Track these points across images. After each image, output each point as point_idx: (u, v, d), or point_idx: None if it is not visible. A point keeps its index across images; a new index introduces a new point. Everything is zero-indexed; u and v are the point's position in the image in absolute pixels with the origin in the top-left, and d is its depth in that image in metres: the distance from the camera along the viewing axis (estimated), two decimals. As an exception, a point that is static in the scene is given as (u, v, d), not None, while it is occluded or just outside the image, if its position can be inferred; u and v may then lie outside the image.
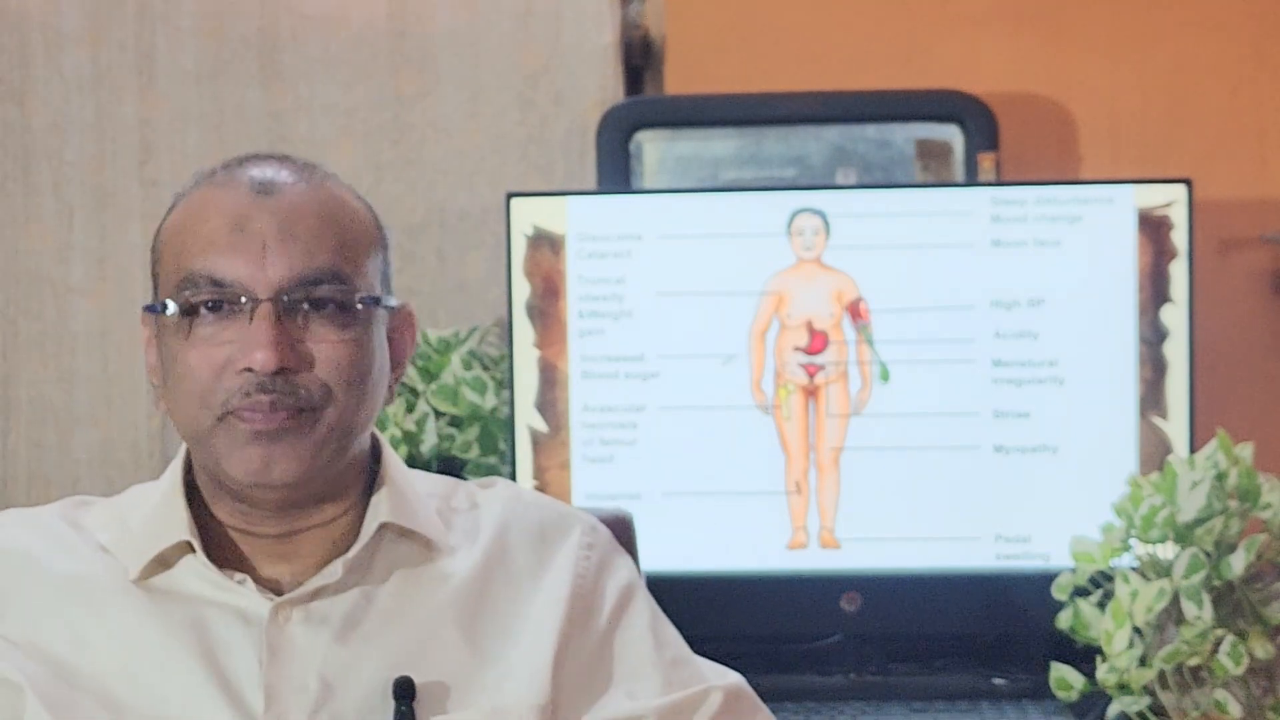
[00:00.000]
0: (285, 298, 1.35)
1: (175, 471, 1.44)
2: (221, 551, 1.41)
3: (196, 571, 1.39)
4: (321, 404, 1.36)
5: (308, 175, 1.41)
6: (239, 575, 1.39)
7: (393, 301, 1.43)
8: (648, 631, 1.45)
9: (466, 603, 1.41)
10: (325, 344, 1.36)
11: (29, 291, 2.71)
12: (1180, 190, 2.31)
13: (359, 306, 1.38)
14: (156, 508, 1.42)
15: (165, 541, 1.39)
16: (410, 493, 1.45)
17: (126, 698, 1.34)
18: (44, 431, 2.72)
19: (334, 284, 1.37)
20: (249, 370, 1.34)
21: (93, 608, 1.39)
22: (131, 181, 2.70)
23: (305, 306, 1.36)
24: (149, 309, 1.41)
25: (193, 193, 1.41)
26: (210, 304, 1.35)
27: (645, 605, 1.48)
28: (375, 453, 1.46)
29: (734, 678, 1.47)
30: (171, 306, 1.36)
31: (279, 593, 1.39)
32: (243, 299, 1.35)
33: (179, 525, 1.40)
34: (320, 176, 1.42)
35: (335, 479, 1.41)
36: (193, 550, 1.39)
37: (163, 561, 1.40)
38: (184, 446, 1.45)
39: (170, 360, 1.38)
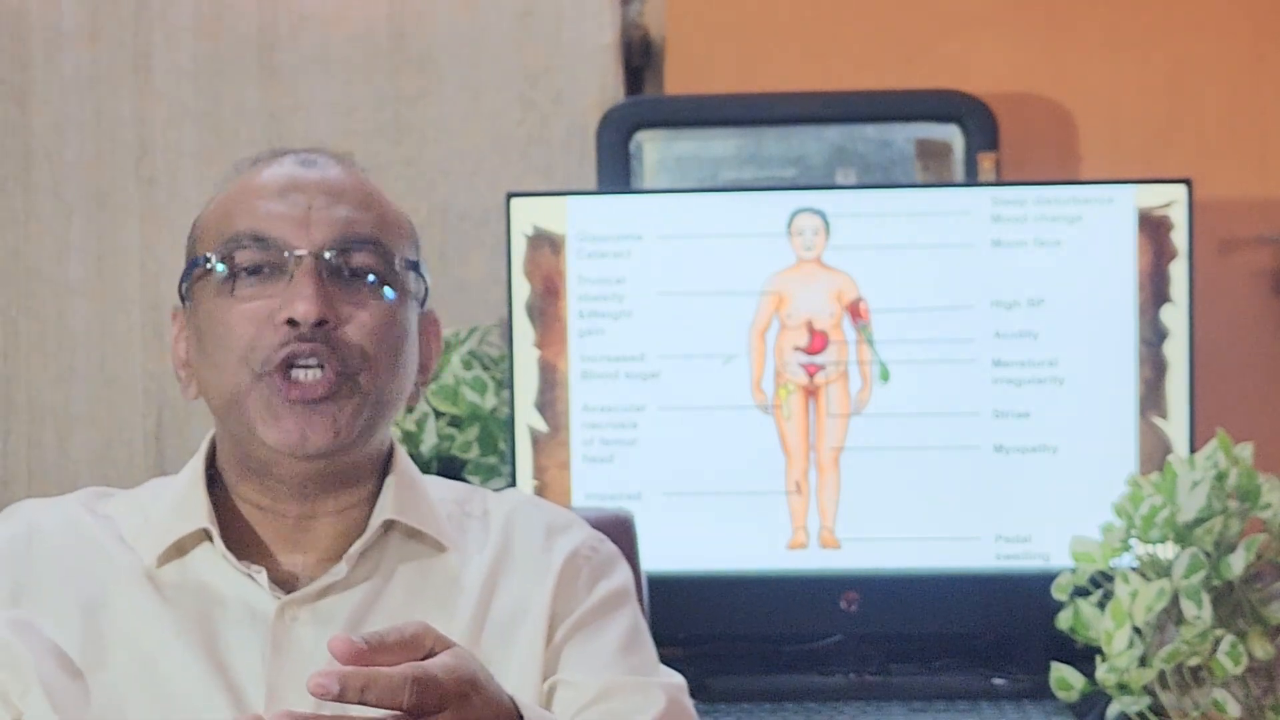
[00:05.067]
0: (328, 254, 1.37)
1: (197, 461, 1.45)
2: (239, 541, 1.41)
3: (212, 560, 1.40)
4: (359, 367, 1.37)
5: (350, 164, 1.45)
6: (255, 567, 1.39)
7: (428, 277, 1.45)
8: (622, 635, 1.45)
9: (472, 603, 1.42)
10: (364, 309, 1.38)
11: (28, 291, 2.71)
12: (1180, 190, 2.31)
13: (397, 274, 1.40)
14: (177, 496, 1.43)
15: (184, 529, 1.40)
16: (419, 493, 1.46)
17: (131, 691, 1.35)
18: (43, 431, 2.71)
19: (374, 250, 1.39)
20: (290, 323, 1.35)
21: (107, 598, 1.39)
22: (129, 180, 2.69)
23: (346, 272, 1.38)
24: (184, 296, 1.41)
25: (234, 178, 1.44)
26: (252, 267, 1.37)
27: (630, 615, 1.48)
28: (391, 453, 1.47)
29: (677, 680, 1.45)
30: (215, 260, 1.37)
31: (292, 586, 1.40)
32: (285, 254, 1.36)
33: (199, 513, 1.41)
34: (361, 170, 1.46)
35: (356, 464, 1.42)
36: (210, 539, 1.40)
37: (180, 548, 1.41)
38: (208, 437, 1.46)
39: (209, 325, 1.38)
